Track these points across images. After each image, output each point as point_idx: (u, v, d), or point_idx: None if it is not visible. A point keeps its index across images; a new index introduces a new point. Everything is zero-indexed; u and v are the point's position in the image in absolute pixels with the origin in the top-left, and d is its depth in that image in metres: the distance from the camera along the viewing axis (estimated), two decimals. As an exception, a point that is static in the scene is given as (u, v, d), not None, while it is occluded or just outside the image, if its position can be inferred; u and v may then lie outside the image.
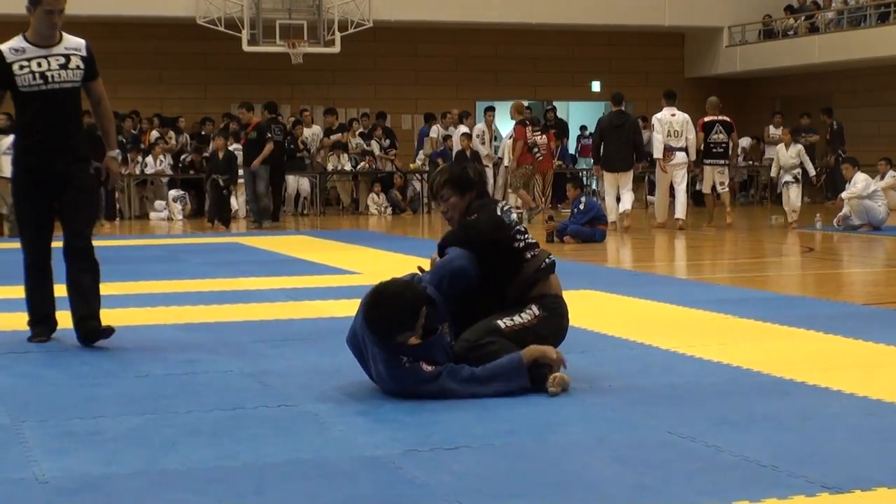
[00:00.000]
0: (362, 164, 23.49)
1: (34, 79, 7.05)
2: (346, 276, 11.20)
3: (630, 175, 17.97)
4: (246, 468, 4.37)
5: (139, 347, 7.06)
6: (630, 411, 5.27)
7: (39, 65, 7.07)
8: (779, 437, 4.75)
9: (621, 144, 17.57)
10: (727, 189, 18.75)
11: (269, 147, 19.13)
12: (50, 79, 7.07)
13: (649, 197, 25.40)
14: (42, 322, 7.30)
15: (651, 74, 29.03)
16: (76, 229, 7.12)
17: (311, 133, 23.87)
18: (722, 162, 18.52)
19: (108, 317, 7.79)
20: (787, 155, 18.37)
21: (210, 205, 20.27)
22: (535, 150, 19.62)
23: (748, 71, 28.36)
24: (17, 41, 7.15)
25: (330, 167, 23.35)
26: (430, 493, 4.05)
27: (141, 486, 4.17)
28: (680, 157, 17.91)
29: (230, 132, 21.83)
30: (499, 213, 6.02)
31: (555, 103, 27.64)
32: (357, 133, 24.23)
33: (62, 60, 7.12)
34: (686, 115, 18.28)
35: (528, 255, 6.01)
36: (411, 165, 23.92)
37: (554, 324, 6.00)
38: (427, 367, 5.49)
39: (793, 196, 17.92)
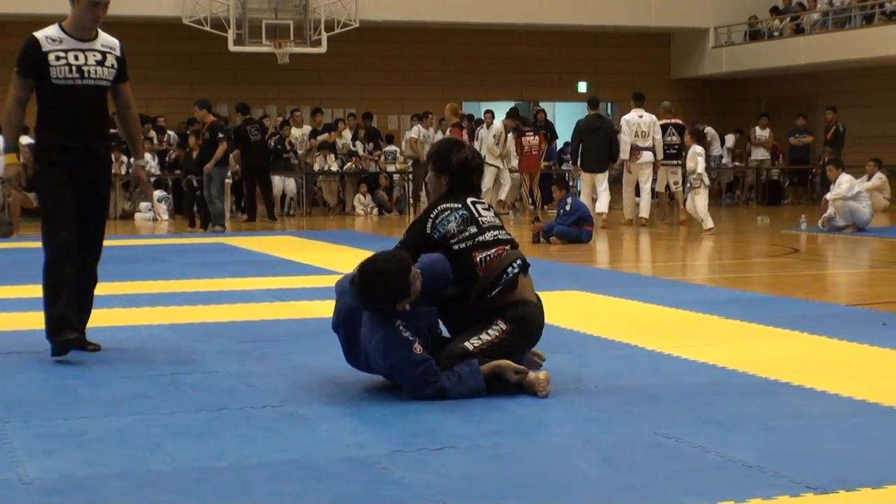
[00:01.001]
0: (349, 164, 23.48)
1: (70, 72, 6.71)
2: (332, 276, 11.16)
3: (606, 175, 18.40)
4: (231, 469, 4.37)
5: (124, 348, 7.04)
6: (616, 412, 5.28)
7: (76, 58, 6.73)
8: (764, 438, 4.76)
9: (598, 146, 18.12)
10: (680, 188, 19.40)
11: (221, 148, 18.28)
12: (86, 74, 6.74)
13: (636, 198, 25.46)
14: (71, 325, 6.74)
15: (637, 75, 29.05)
16: (95, 250, 7.01)
17: (301, 133, 23.84)
18: (675, 162, 19.43)
19: (93, 317, 7.77)
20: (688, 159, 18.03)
21: (184, 205, 20.20)
22: (528, 150, 20.46)
23: (734, 72, 28.43)
24: (53, 30, 6.80)
25: (317, 167, 23.33)
26: (415, 494, 4.05)
27: (126, 486, 4.16)
28: (647, 156, 18.72)
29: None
30: (428, 230, 5.95)
31: (542, 104, 27.67)
32: (342, 133, 24.23)
33: (99, 57, 6.81)
34: (653, 117, 19.00)
35: (481, 257, 5.92)
36: (397, 165, 23.91)
37: (525, 334, 5.91)
38: (417, 349, 5.46)
39: (697, 204, 17.55)
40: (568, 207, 15.37)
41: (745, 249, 15.36)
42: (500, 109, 26.71)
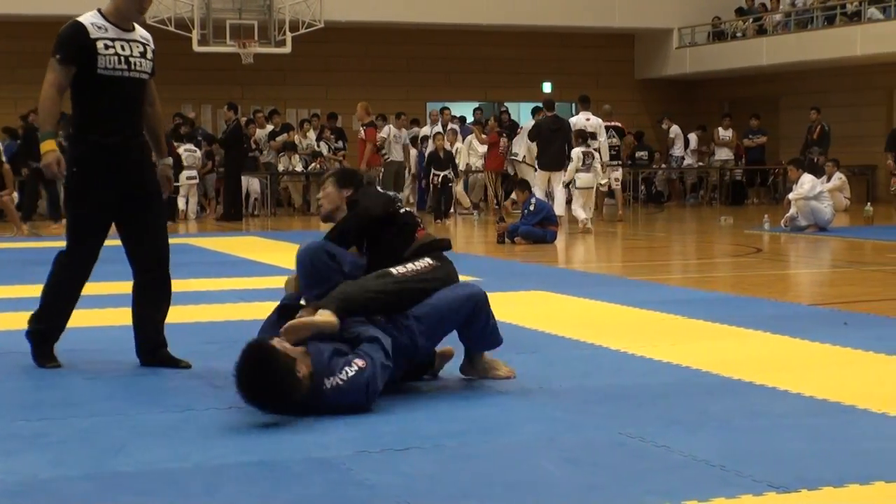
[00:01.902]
0: (313, 164, 23.44)
1: (119, 62, 6.30)
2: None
3: (562, 174, 18.57)
4: (196, 470, 4.36)
5: (87, 349, 7.01)
6: (580, 412, 5.30)
7: (123, 48, 6.33)
8: (727, 437, 4.78)
9: (557, 146, 18.46)
10: (620, 186, 20.91)
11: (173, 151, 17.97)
12: (133, 66, 6.35)
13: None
14: (54, 339, 6.53)
15: (602, 76, 29.16)
16: (163, 253, 6.71)
17: (264, 134, 23.81)
18: (615, 163, 20.75)
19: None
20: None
21: None
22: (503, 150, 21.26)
23: (698, 72, 28.56)
24: (96, 17, 6.36)
25: (281, 168, 23.29)
26: (380, 495, 4.06)
27: (90, 488, 4.15)
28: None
29: (182, 134, 21.74)
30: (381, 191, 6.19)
31: (506, 104, 27.72)
32: (307, 133, 24.20)
33: (141, 48, 6.43)
34: (599, 120, 19.67)
35: (419, 228, 6.14)
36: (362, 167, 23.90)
37: (449, 269, 6.08)
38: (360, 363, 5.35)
39: (574, 204, 17.92)
40: (532, 208, 15.41)
41: (709, 249, 15.44)
42: (465, 109, 26.77)
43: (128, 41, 6.36)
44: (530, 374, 6.18)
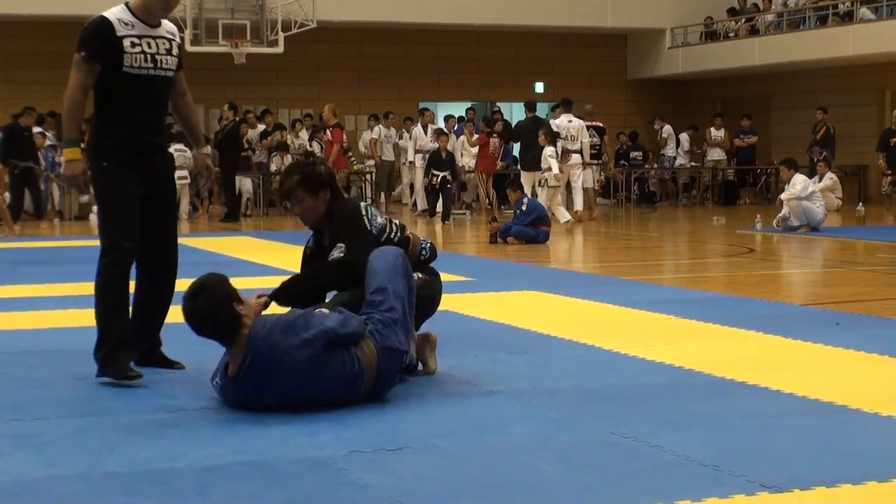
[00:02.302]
0: (305, 164, 23.43)
1: (145, 60, 6.13)
2: (288, 276, 11.13)
3: (536, 174, 18.77)
4: (189, 470, 4.35)
5: (79, 349, 6.98)
6: (573, 412, 5.30)
7: (149, 45, 6.15)
8: (720, 437, 4.79)
9: (536, 146, 18.63)
10: (592, 185, 21.34)
11: None
12: (159, 63, 6.19)
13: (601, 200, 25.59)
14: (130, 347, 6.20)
15: (594, 76, 29.18)
16: (173, 258, 6.61)
17: (257, 133, 23.79)
18: (596, 162, 21.51)
19: (49, 318, 7.75)
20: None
21: None
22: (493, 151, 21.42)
23: (690, 72, 28.58)
24: (123, 13, 6.15)
25: (273, 168, 23.26)
26: (372, 495, 4.05)
27: (82, 488, 4.14)
28: (575, 158, 19.59)
29: (174, 133, 21.66)
30: (367, 221, 6.06)
31: (499, 104, 27.73)
32: (299, 133, 24.18)
33: (167, 45, 6.25)
34: (581, 122, 20.08)
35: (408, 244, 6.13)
36: (354, 167, 23.87)
37: (437, 284, 6.27)
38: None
39: (552, 200, 18.09)
40: (524, 208, 15.40)
41: (701, 249, 15.45)
42: (457, 109, 26.77)
43: (154, 38, 6.19)
44: (523, 374, 6.18)
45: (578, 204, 19.63)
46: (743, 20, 27.86)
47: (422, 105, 27.34)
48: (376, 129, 24.08)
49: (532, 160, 18.87)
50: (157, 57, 6.18)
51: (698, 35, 28.67)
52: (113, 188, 6.15)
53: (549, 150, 18.18)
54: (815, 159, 22.55)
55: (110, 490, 4.12)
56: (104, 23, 6.10)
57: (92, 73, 6.08)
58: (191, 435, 4.88)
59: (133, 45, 6.09)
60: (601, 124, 22.20)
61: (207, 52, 24.40)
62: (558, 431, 4.95)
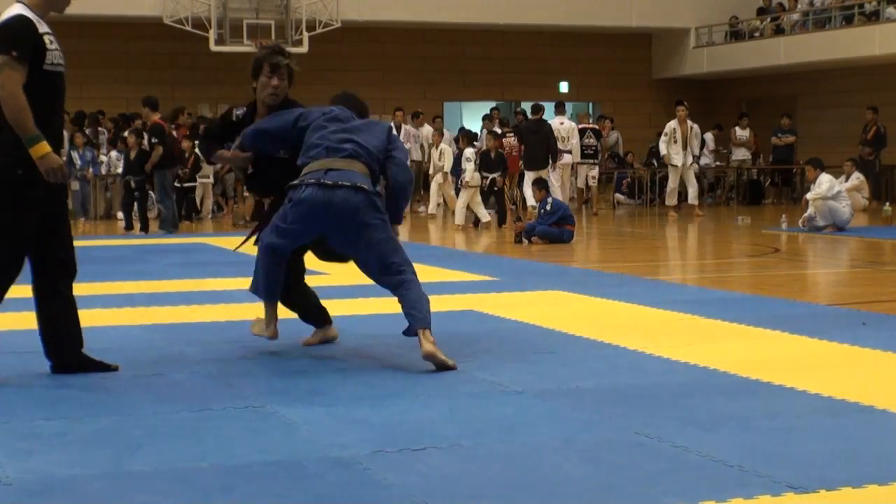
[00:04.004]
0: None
1: (58, 58, 5.99)
2: (313, 276, 11.14)
3: (547, 172, 19.24)
4: (213, 469, 4.36)
5: (105, 348, 7.01)
6: (597, 412, 5.29)
7: (53, 42, 6.00)
8: (745, 438, 4.77)
9: (539, 147, 19.37)
10: (595, 183, 23.05)
11: (156, 151, 17.41)
12: (63, 60, 6.08)
13: (617, 195, 25.51)
14: None
15: (618, 75, 29.13)
16: (73, 265, 6.40)
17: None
18: (592, 161, 22.79)
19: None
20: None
21: (121, 206, 19.41)
22: (508, 151, 21.14)
23: (715, 72, 28.50)
24: (26, 9, 5.96)
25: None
26: (397, 494, 4.05)
27: (107, 487, 4.15)
28: (567, 158, 21.01)
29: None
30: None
31: (523, 104, 27.70)
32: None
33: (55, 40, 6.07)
34: (572, 123, 21.79)
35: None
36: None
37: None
38: None
39: (459, 200, 18.96)
40: (549, 207, 15.39)
41: (727, 249, 15.40)
42: (482, 109, 26.77)
43: (52, 34, 6.03)
44: (548, 374, 6.17)
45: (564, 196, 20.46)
46: (768, 19, 27.77)
47: (447, 104, 27.38)
48: (402, 130, 24.03)
49: (535, 160, 19.31)
50: (62, 53, 6.08)
51: (723, 34, 28.59)
52: (21, 199, 5.95)
53: (467, 153, 18.93)
54: (864, 158, 22.54)
55: (135, 489, 4.13)
56: (27, 20, 5.92)
57: (25, 74, 5.85)
58: (215, 434, 4.88)
59: (51, 42, 5.98)
60: (598, 127, 23.83)
61: (232, 52, 24.46)
62: (583, 431, 4.94)
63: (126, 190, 18.55)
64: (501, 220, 18.91)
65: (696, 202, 21.38)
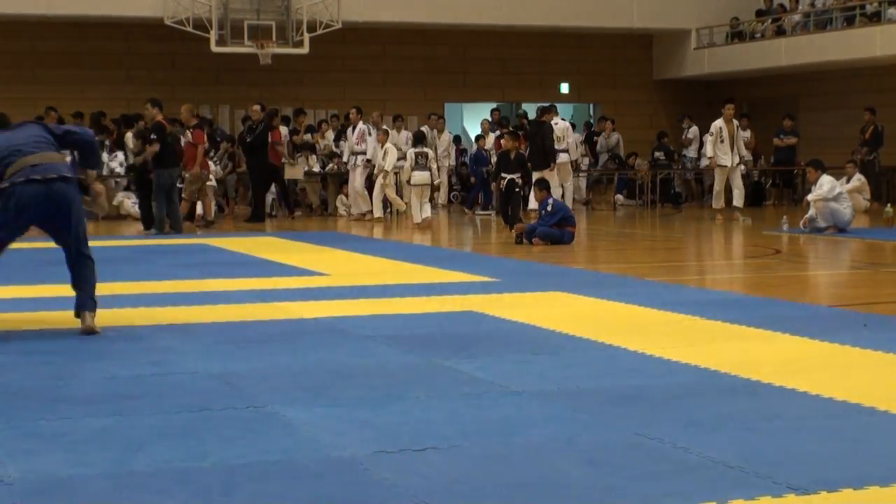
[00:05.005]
0: (330, 165, 23.43)
1: None
2: (314, 277, 11.18)
3: (546, 173, 19.03)
4: (214, 469, 4.36)
5: (106, 349, 7.03)
6: (598, 412, 5.29)
7: None
8: (745, 439, 4.77)
9: (537, 148, 19.48)
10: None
11: (150, 149, 17.31)
12: None
13: (618, 196, 25.49)
14: None
15: (619, 76, 29.11)
16: None
17: (282, 134, 23.71)
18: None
19: (72, 318, 7.75)
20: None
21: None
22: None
23: (716, 73, 28.48)
24: None
25: (304, 169, 23.23)
26: (398, 495, 4.05)
27: (108, 487, 4.16)
28: (563, 157, 21.00)
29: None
30: None
31: (524, 105, 27.71)
32: (325, 134, 24.18)
33: None
34: (567, 123, 22.04)
35: None
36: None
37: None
38: None
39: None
40: (549, 208, 15.37)
41: (727, 251, 15.39)
42: (483, 110, 26.76)
43: None
44: (548, 374, 6.18)
45: (568, 200, 20.61)
46: (769, 21, 27.76)
47: (447, 105, 27.35)
48: (359, 127, 23.90)
49: (538, 161, 19.39)
50: None
51: (724, 36, 28.57)
52: None
53: (411, 151, 19.66)
54: (863, 159, 22.53)
55: (136, 489, 4.13)
56: None
57: None
58: (216, 434, 4.89)
59: None
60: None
61: (233, 53, 24.45)
62: (583, 432, 4.94)
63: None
64: (513, 222, 18.47)
65: (740, 204, 20.82)
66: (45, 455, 4.57)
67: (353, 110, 21.94)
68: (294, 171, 22.19)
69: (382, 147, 20.59)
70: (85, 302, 7.59)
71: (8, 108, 22.16)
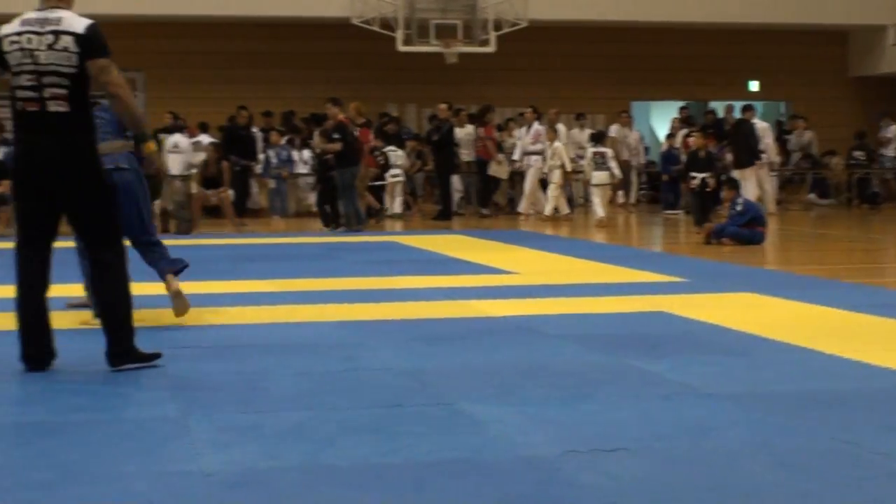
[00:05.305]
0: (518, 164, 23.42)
1: None
2: (503, 275, 11.20)
3: (748, 172, 18.94)
4: (405, 465, 4.40)
5: (298, 344, 7.15)
6: (791, 416, 5.18)
7: None
8: (949, 446, 4.62)
9: (741, 146, 19.19)
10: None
11: (332, 146, 17.66)
12: None
13: (810, 196, 24.93)
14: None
15: (812, 73, 28.43)
16: None
17: (465, 133, 23.78)
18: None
19: (266, 314, 7.92)
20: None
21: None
22: None
23: (915, 70, 27.61)
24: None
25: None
26: (588, 495, 4.03)
27: (302, 480, 4.23)
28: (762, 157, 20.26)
29: (389, 133, 21.98)
30: None
31: (711, 103, 27.30)
32: (512, 132, 24.20)
33: None
34: (766, 124, 21.24)
35: None
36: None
37: None
38: None
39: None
40: (739, 208, 15.11)
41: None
42: (670, 109, 26.47)
43: None
44: (739, 377, 6.08)
45: (769, 200, 20.29)
46: (972, 14, 26.80)
47: (634, 104, 27.10)
48: (613, 127, 23.81)
49: (736, 161, 19.14)
50: None
51: (923, 31, 27.68)
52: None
53: (590, 150, 19.98)
54: None
55: (330, 483, 4.19)
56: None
57: None
58: (408, 430, 4.93)
59: None
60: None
61: (419, 52, 24.65)
62: (776, 436, 4.84)
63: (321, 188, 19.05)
64: (701, 221, 18.03)
65: None
66: (241, 448, 4.67)
67: (529, 109, 21.93)
68: (499, 170, 22.25)
69: (551, 145, 20.60)
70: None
71: (206, 106, 22.92)
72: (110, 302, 6.33)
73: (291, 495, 4.08)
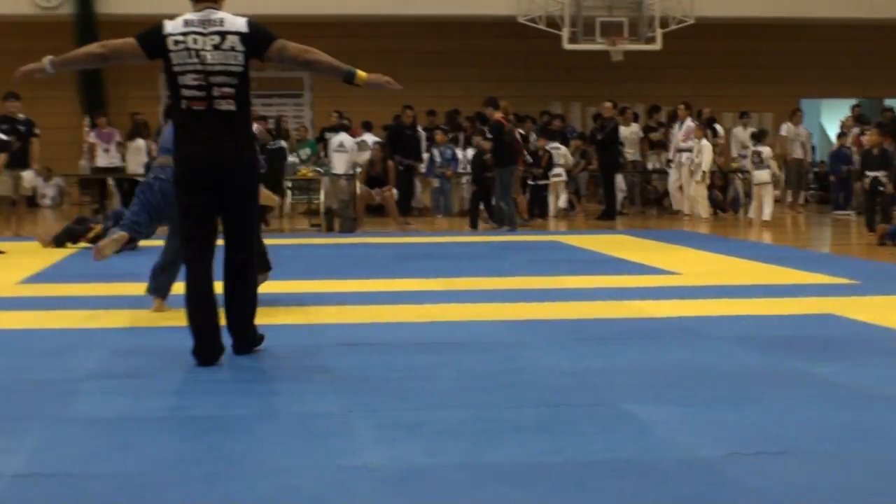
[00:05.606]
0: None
1: None
2: (665, 276, 11.09)
3: None
4: (567, 465, 4.39)
5: (461, 342, 7.18)
6: (969, 422, 5.02)
7: None
8: None
9: None
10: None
11: (483, 145, 17.80)
12: None
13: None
14: None
15: None
16: None
17: (630, 132, 23.60)
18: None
19: (428, 312, 7.96)
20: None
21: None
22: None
23: None
24: None
25: (650, 165, 23.13)
26: (753, 498, 3.97)
27: (464, 478, 4.24)
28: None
29: (554, 130, 21.97)
30: None
31: (887, 101, 26.60)
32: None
33: None
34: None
35: None
36: (732, 164, 23.46)
37: None
38: None
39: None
40: (916, 208, 14.67)
41: None
42: (842, 107, 25.90)
43: None
44: (913, 381, 5.92)
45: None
46: None
47: (803, 102, 26.57)
48: (785, 126, 23.39)
49: None
50: None
51: None
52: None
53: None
54: None
55: (491, 481, 4.20)
56: None
57: None
58: (570, 430, 4.91)
59: None
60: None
61: (584, 50, 24.54)
62: (954, 442, 4.70)
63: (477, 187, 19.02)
64: (874, 221, 17.45)
65: None
66: (404, 444, 4.71)
67: (682, 106, 21.59)
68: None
69: (699, 143, 20.20)
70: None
71: (373, 105, 23.14)
72: (242, 299, 6.63)
73: (454, 492, 4.09)
